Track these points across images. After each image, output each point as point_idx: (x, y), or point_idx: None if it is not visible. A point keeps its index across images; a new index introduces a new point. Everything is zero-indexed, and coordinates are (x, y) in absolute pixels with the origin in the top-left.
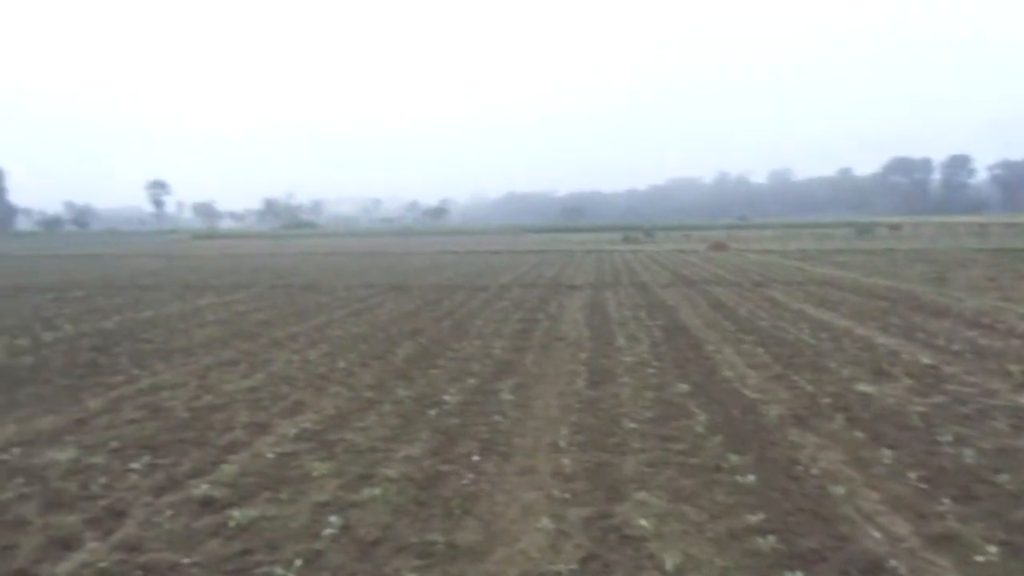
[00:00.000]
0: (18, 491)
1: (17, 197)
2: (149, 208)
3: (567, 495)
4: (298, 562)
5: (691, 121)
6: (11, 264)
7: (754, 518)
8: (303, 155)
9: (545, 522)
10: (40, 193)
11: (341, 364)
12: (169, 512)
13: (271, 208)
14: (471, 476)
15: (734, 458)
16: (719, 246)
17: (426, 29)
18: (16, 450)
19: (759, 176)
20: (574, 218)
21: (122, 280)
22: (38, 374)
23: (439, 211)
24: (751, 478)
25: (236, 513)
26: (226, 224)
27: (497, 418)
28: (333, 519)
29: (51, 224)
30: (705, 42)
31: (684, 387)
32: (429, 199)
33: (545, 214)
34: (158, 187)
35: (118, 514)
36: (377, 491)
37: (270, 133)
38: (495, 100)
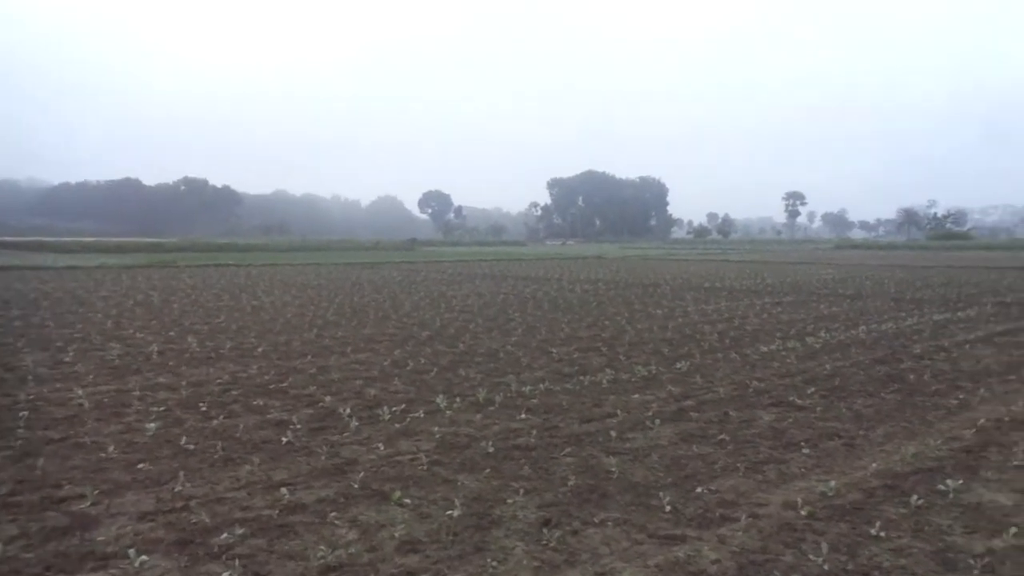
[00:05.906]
0: None
1: (673, 209)
2: (781, 219)
3: None
4: None
5: None
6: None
7: None
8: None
9: None
10: (690, 206)
11: None
12: None
13: (909, 218)
14: None
15: None
16: None
17: None
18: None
19: None
20: None
21: (811, 287)
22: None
23: None
24: None
25: None
26: (856, 234)
27: None
28: None
29: (699, 233)
30: None
31: None
32: None
33: None
34: (794, 197)
35: None
36: None
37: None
38: None
